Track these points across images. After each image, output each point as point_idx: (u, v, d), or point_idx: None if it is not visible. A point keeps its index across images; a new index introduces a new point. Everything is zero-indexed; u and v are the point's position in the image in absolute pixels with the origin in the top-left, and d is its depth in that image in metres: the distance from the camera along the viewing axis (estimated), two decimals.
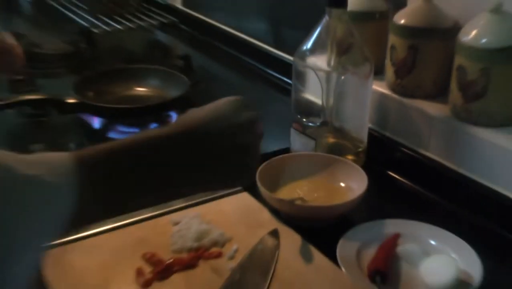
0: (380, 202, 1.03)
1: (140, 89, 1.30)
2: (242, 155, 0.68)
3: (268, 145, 1.13)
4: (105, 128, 1.14)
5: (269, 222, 0.94)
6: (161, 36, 1.88)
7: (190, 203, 0.98)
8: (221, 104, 0.70)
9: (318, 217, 0.94)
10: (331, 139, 1.11)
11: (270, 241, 0.89)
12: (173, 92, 1.24)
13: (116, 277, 0.82)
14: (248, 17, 1.64)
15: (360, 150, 1.10)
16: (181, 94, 1.20)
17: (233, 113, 0.68)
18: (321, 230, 0.93)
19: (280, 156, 1.03)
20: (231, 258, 0.86)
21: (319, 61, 1.05)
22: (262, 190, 0.94)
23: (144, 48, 1.81)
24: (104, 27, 1.81)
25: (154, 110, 1.16)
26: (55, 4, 2.07)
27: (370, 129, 1.12)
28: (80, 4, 2.02)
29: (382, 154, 1.11)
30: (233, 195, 1.00)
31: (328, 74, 1.05)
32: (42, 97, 1.02)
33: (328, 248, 0.86)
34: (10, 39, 0.93)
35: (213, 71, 1.64)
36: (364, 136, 1.10)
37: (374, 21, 1.13)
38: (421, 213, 0.98)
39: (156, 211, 0.96)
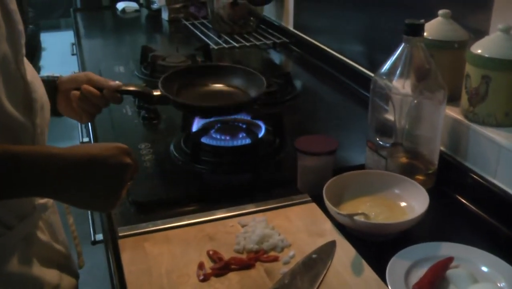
0: (443, 224, 0.95)
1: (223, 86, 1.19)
2: (101, 193, 0.74)
3: (348, 159, 1.11)
4: (199, 133, 1.14)
5: (330, 233, 0.89)
6: (272, 54, 1.87)
7: (260, 208, 0.95)
8: (108, 147, 0.75)
9: (376, 232, 0.88)
10: (403, 160, 1.04)
11: (325, 251, 0.84)
12: (252, 92, 1.15)
13: (181, 268, 0.81)
14: (347, 41, 1.58)
15: (430, 171, 1.02)
16: (259, 93, 1.12)
17: (109, 157, 0.73)
18: (379, 245, 0.87)
19: (349, 172, 0.98)
20: (287, 263, 0.82)
21: (396, 84, 0.98)
22: (326, 202, 0.90)
23: (254, 63, 1.81)
24: (223, 44, 1.84)
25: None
26: (188, 24, 2.14)
27: (442, 152, 1.04)
28: (208, 24, 2.07)
29: (451, 177, 1.03)
30: (302, 204, 0.97)
31: (403, 97, 0.98)
32: (133, 88, 1.00)
33: (382, 263, 0.81)
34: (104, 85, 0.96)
35: (312, 88, 1.60)
36: (435, 159, 1.02)
37: (453, 49, 1.04)
38: (482, 239, 0.90)
39: (228, 213, 0.94)
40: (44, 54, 3.90)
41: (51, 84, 0.94)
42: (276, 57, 1.86)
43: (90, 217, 1.21)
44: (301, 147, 0.98)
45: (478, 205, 0.97)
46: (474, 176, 0.99)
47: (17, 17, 0.76)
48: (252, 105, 1.13)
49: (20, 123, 0.76)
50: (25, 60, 0.79)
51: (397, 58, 0.97)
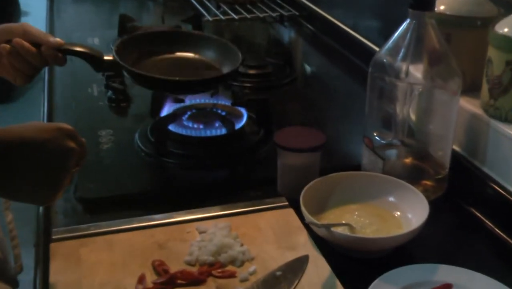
0: (449, 242, 0.91)
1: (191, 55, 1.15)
2: (42, 179, 0.73)
3: (345, 158, 1.08)
4: (167, 119, 1.11)
5: (304, 246, 0.86)
6: (278, 30, 1.83)
7: (226, 212, 0.93)
8: (47, 128, 0.74)
9: (359, 248, 0.84)
10: (407, 161, 1.00)
11: (293, 268, 0.80)
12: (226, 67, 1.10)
13: (118, 280, 0.79)
14: (364, 17, 1.54)
15: (440, 176, 0.99)
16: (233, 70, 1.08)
17: (47, 141, 0.73)
18: (364, 263, 0.84)
19: (336, 174, 0.95)
20: (244, 280, 0.79)
21: (401, 68, 0.95)
22: (302, 208, 0.87)
23: (255, 39, 1.77)
24: (221, 16, 1.80)
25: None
26: None
27: (455, 154, 1.00)
28: None
29: (465, 185, 0.99)
30: (277, 210, 0.94)
31: (408, 86, 0.94)
32: (78, 49, 0.97)
33: (363, 286, 0.77)
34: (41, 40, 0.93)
35: (318, 71, 1.57)
36: (447, 162, 0.98)
37: (475, 28, 0.99)
38: (496, 265, 0.86)
39: (187, 216, 0.92)
40: (28, 19, 3.93)
41: None
42: (283, 33, 1.83)
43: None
44: (281, 141, 0.95)
45: (497, 221, 0.93)
46: (494, 185, 0.94)
47: None
48: (220, 83, 1.12)
49: None
50: None
51: (400, 37, 0.93)
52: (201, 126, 1.11)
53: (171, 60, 1.12)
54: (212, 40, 1.15)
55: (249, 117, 1.15)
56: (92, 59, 1.00)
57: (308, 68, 1.61)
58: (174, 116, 1.12)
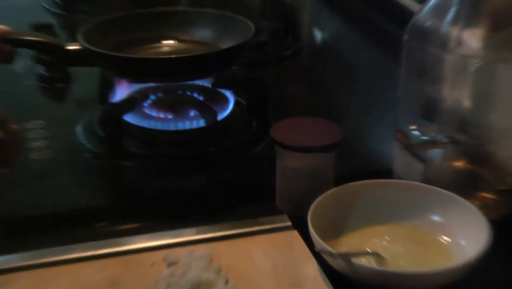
0: None
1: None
2: None
3: (370, 160, 1.10)
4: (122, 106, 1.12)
5: (313, 281, 0.86)
6: None
7: (204, 236, 0.94)
8: None
9: (390, 287, 0.85)
10: (458, 164, 1.01)
11: None
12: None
13: None
14: None
15: (505, 188, 1.00)
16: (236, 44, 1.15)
17: None
18: None
19: (358, 183, 0.95)
20: None
21: (448, 37, 0.96)
22: (311, 231, 0.87)
23: None
24: None
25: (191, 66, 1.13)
26: None
27: None
28: None
29: None
30: (275, 233, 0.95)
31: (461, 59, 0.95)
32: (33, 38, 1.04)
33: None
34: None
35: (333, 39, 1.59)
36: None
37: None
38: None
39: (151, 241, 0.92)
40: None
41: None
42: None
43: None
44: (281, 137, 0.96)
45: None
46: None
47: None
48: (219, 61, 1.15)
49: None
50: None
51: None
52: (169, 116, 1.12)
53: (158, 50, 1.23)
54: (209, 16, 1.24)
55: (237, 103, 1.16)
56: (52, 49, 1.05)
57: (318, 35, 1.62)
58: (131, 103, 1.12)
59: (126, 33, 1.21)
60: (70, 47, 1.06)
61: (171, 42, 1.26)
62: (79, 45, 1.06)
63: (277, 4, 1.74)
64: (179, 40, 1.26)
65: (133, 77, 1.16)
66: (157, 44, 1.25)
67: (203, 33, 1.23)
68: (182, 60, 1.11)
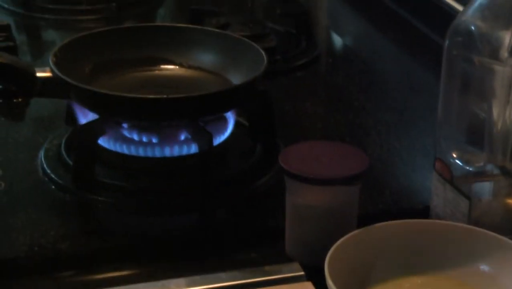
0: None
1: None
2: None
3: (403, 195, 1.10)
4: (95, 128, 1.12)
5: None
6: None
7: (198, 288, 0.94)
8: None
9: None
10: (511, 202, 1.02)
11: None
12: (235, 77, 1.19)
13: None
14: None
15: None
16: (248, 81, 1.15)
17: None
18: None
19: (385, 223, 0.96)
20: None
21: (500, 44, 0.96)
22: (330, 284, 0.87)
23: None
24: None
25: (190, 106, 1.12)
26: None
27: None
28: None
29: None
30: (286, 284, 0.95)
31: None
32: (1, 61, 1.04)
33: None
34: None
35: (357, 44, 1.59)
36: None
37: None
38: None
39: None
40: None
41: None
42: None
43: None
44: (292, 165, 0.96)
45: None
46: None
47: None
48: (237, 99, 1.15)
49: None
50: None
51: None
52: (154, 140, 1.12)
53: (148, 75, 1.23)
54: (211, 35, 1.24)
55: (237, 124, 1.17)
56: (20, 76, 1.06)
57: (337, 40, 1.63)
58: (106, 123, 1.12)
59: (109, 52, 1.20)
60: (40, 74, 1.06)
61: (166, 66, 1.25)
62: (49, 72, 1.07)
63: (287, 1, 1.75)
64: (175, 64, 1.26)
65: (122, 117, 1.15)
66: (148, 68, 1.25)
67: (204, 58, 1.22)
68: (190, 100, 1.11)
